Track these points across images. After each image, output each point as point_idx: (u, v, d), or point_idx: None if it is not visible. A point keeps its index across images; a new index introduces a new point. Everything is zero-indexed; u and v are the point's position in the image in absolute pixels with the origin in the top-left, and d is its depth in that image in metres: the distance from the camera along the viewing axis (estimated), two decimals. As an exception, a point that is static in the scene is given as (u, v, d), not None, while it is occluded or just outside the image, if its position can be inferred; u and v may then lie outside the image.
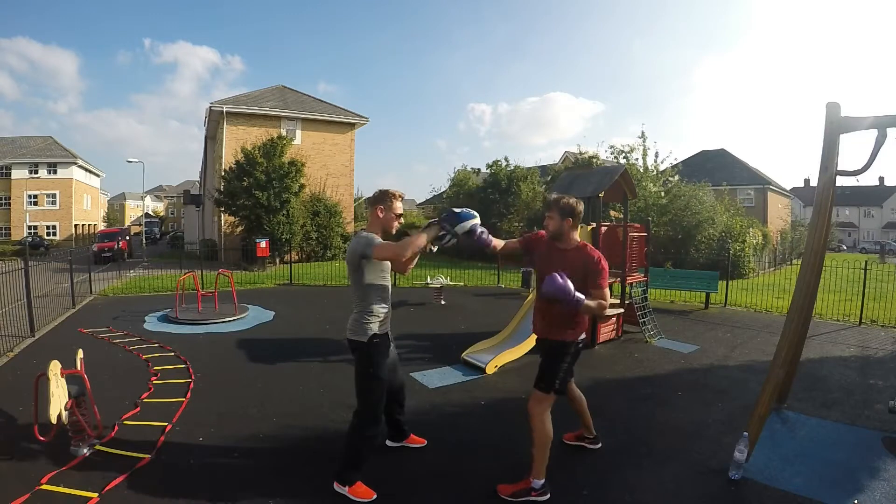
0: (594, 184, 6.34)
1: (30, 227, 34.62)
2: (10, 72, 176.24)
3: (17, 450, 3.23)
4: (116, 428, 3.57)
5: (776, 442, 3.48)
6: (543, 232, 2.98)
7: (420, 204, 45.31)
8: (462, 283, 12.49)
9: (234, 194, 17.29)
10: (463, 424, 3.83)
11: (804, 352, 4.32)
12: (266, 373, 5.09)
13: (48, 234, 35.94)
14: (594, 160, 18.33)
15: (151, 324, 7.41)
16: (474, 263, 18.57)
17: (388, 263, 2.88)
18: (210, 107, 20.06)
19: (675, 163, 18.69)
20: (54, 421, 3.03)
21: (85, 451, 3.18)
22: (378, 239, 2.71)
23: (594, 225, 6.24)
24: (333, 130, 22.23)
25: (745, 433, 3.03)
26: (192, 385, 4.59)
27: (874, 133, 3.28)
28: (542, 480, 2.71)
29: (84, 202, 40.91)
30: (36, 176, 36.01)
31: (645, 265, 7.21)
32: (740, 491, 2.87)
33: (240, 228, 18.70)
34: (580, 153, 19.51)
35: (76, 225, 38.21)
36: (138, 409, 3.96)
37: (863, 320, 7.92)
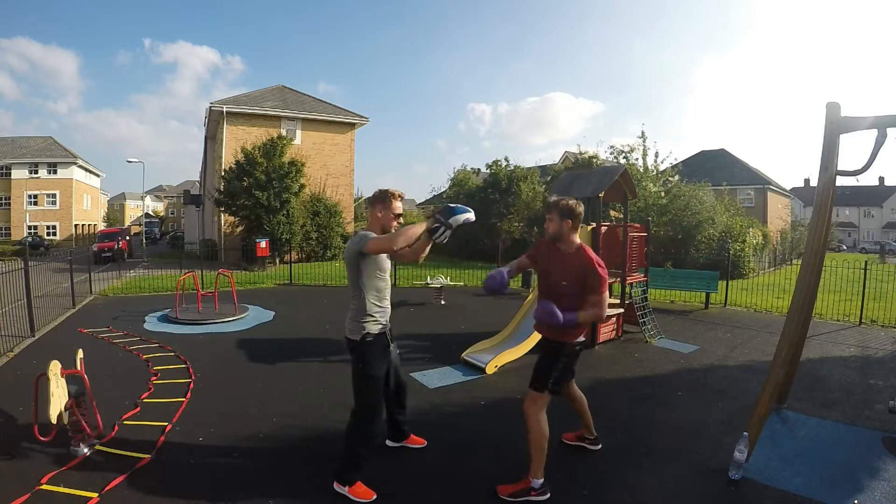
0: (594, 184, 6.34)
1: (30, 227, 34.62)
2: (10, 72, 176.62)
3: (17, 450, 3.23)
4: (116, 428, 3.57)
5: (776, 442, 3.48)
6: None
7: (420, 204, 45.34)
8: (462, 283, 12.49)
9: (234, 194, 17.29)
10: (463, 424, 3.83)
11: (804, 352, 4.32)
12: (266, 373, 5.09)
13: (48, 234, 35.94)
14: (594, 160, 18.31)
15: (151, 324, 7.41)
16: (474, 263, 18.58)
17: (388, 263, 2.88)
18: (210, 107, 20.07)
19: (675, 163, 18.68)
20: (54, 421, 3.04)
21: (85, 451, 3.18)
22: (372, 234, 2.72)
23: (594, 225, 6.24)
24: (333, 130, 22.23)
25: (745, 433, 3.03)
26: (192, 385, 4.59)
27: (874, 133, 3.28)
28: (541, 480, 2.71)
29: (84, 202, 40.91)
30: (36, 176, 36.01)
31: (645, 265, 7.21)
32: (740, 491, 2.87)
33: (240, 228, 18.70)
34: (580, 153, 19.49)
35: (76, 225, 38.21)
36: (138, 409, 3.96)
37: (863, 320, 7.92)
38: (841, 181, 3.61)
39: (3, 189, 35.49)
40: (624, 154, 17.63)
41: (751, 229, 17.93)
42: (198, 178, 42.41)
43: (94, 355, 5.24)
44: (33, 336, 6.48)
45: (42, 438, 3.22)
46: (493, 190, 23.35)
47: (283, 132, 19.98)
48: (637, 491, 2.87)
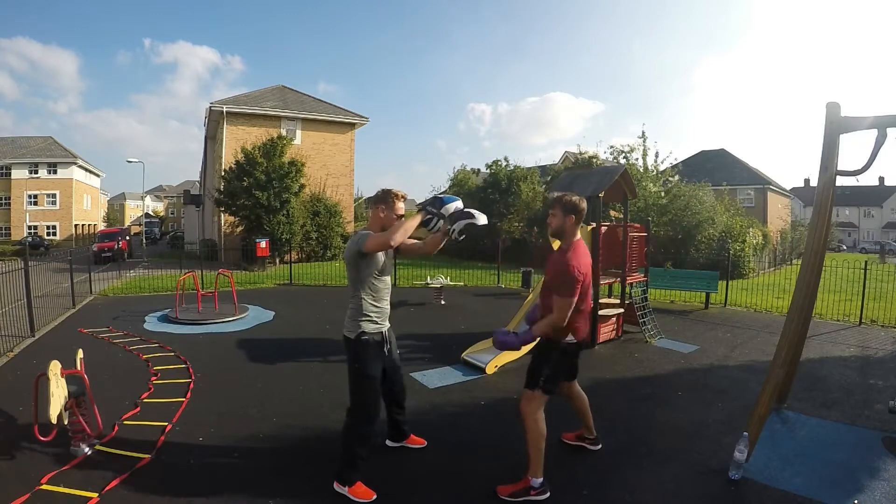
0: (594, 184, 6.34)
1: (30, 227, 34.63)
2: (10, 72, 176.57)
3: (17, 450, 3.23)
4: (116, 428, 3.57)
5: (776, 442, 3.48)
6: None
7: (420, 204, 45.35)
8: (462, 283, 12.49)
9: (234, 194, 17.29)
10: (463, 424, 3.83)
11: (804, 352, 4.32)
12: (266, 373, 5.09)
13: (48, 234, 35.95)
14: (594, 160, 18.30)
15: (151, 324, 7.41)
16: (474, 263, 18.58)
17: (387, 264, 2.88)
18: (210, 107, 20.07)
19: (675, 163, 18.69)
20: (54, 421, 3.04)
21: (85, 450, 3.18)
22: (371, 233, 2.73)
23: (594, 225, 6.23)
24: (333, 130, 22.24)
25: (745, 433, 3.03)
26: (192, 385, 4.59)
27: (874, 133, 3.28)
28: (541, 479, 2.71)
29: (84, 202, 40.92)
30: (36, 176, 36.02)
31: (645, 265, 7.21)
32: (740, 491, 2.87)
33: (240, 228, 18.70)
34: (580, 153, 19.48)
35: (76, 225, 38.22)
36: (138, 409, 3.97)
37: (863, 320, 7.92)
38: (841, 181, 3.60)
39: (3, 189, 35.50)
40: (624, 154, 17.64)
41: (751, 229, 17.93)
42: (198, 178, 42.42)
43: (94, 355, 5.24)
44: (33, 336, 6.48)
45: (42, 438, 3.22)
46: (493, 190, 23.36)
47: (283, 132, 19.98)
48: (637, 491, 2.87)
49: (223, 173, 18.53)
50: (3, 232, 34.63)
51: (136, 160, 27.57)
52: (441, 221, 2.80)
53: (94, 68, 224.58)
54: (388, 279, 2.89)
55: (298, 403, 4.21)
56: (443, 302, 9.41)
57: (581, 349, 3.00)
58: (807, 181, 54.82)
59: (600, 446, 3.33)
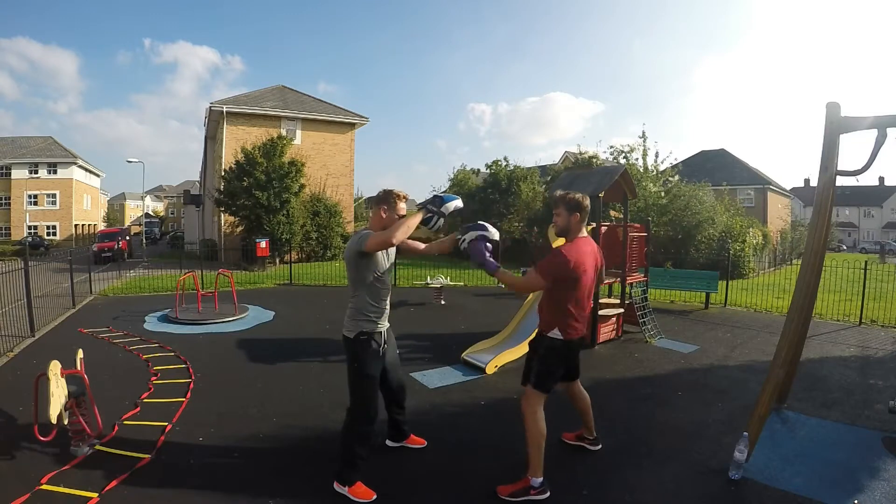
0: (594, 184, 6.34)
1: (30, 227, 34.63)
2: (10, 72, 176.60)
3: (17, 450, 3.23)
4: (116, 428, 3.57)
5: (776, 442, 3.48)
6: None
7: (420, 203, 45.37)
8: (462, 283, 12.49)
9: (234, 194, 17.29)
10: (463, 424, 3.83)
11: (804, 352, 4.32)
12: (266, 373, 5.09)
13: (48, 234, 35.95)
14: (594, 160, 18.30)
15: (151, 324, 7.41)
16: (474, 263, 18.54)
17: (387, 263, 2.88)
18: (210, 107, 20.07)
19: (675, 163, 18.66)
20: (54, 421, 3.03)
21: (85, 450, 3.18)
22: (371, 232, 2.73)
23: (594, 225, 6.23)
24: (333, 130, 22.23)
25: (745, 433, 3.03)
26: (192, 385, 4.59)
27: (874, 133, 3.28)
28: (541, 478, 2.71)
29: (84, 202, 40.92)
30: (36, 176, 36.02)
31: (645, 265, 7.21)
32: (740, 491, 2.87)
33: (240, 228, 18.70)
34: (580, 153, 19.47)
35: (76, 225, 38.22)
36: (138, 409, 3.97)
37: (863, 320, 7.92)
38: (841, 181, 3.60)
39: (3, 189, 35.50)
40: (624, 154, 17.62)
41: (751, 229, 17.92)
42: (198, 178, 42.41)
43: (94, 355, 5.24)
44: (33, 336, 6.48)
45: (42, 438, 3.22)
46: (493, 190, 23.35)
47: (283, 132, 19.98)
48: (637, 491, 2.87)
49: (223, 173, 18.53)
50: (3, 232, 34.63)
51: (136, 160, 27.63)
52: (441, 220, 2.82)
53: (94, 68, 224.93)
54: (387, 279, 2.89)
55: (298, 403, 4.21)
56: (443, 302, 9.41)
57: (578, 348, 2.99)
58: (807, 181, 54.82)
59: (600, 446, 3.33)
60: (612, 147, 18.34)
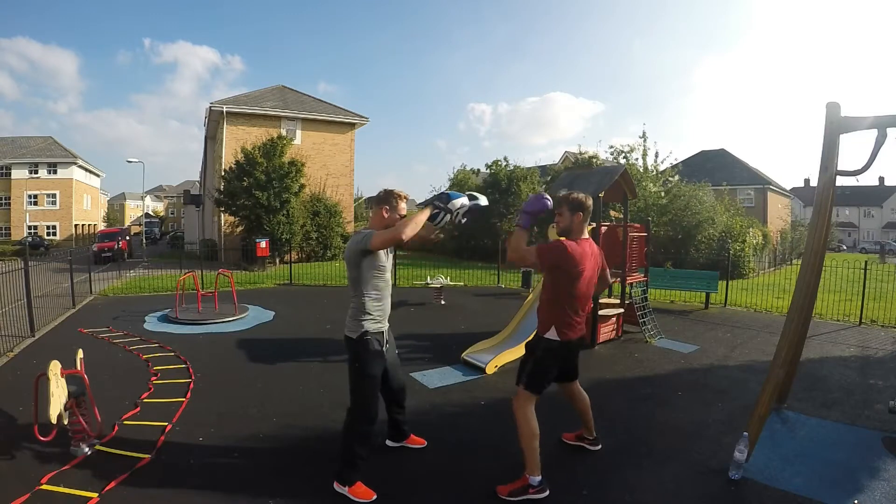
0: (594, 184, 6.34)
1: (30, 227, 34.62)
2: (10, 72, 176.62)
3: (17, 450, 3.23)
4: (116, 428, 3.57)
5: (776, 442, 3.48)
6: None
7: (420, 204, 45.45)
8: (462, 283, 12.49)
9: (234, 194, 17.29)
10: (463, 424, 3.83)
11: (804, 352, 4.32)
12: (266, 373, 5.09)
13: (48, 234, 35.95)
14: (594, 160, 18.31)
15: (151, 324, 7.41)
16: (474, 263, 18.58)
17: (388, 262, 2.88)
18: (210, 107, 20.07)
19: (675, 163, 18.68)
20: (54, 421, 3.03)
21: (85, 450, 3.18)
22: (374, 231, 2.74)
23: (594, 225, 6.23)
24: (333, 130, 22.23)
25: (745, 433, 3.03)
26: (192, 385, 4.59)
27: (874, 133, 3.28)
28: (539, 477, 2.71)
29: (84, 202, 40.92)
30: (36, 176, 36.02)
31: (645, 265, 7.21)
32: (740, 491, 2.87)
33: (240, 228, 18.70)
34: (580, 153, 19.48)
35: (76, 225, 38.22)
36: (138, 409, 3.96)
37: (863, 320, 7.92)
38: (841, 181, 3.60)
39: (3, 189, 35.50)
40: (624, 154, 17.63)
41: (751, 229, 17.93)
42: (198, 178, 42.41)
43: (94, 355, 5.24)
44: (33, 336, 6.48)
45: (42, 438, 3.22)
46: (493, 190, 23.32)
47: (283, 132, 19.98)
48: (637, 491, 2.87)
49: (223, 173, 18.53)
50: (3, 232, 34.63)
51: (136, 160, 27.59)
52: (448, 216, 2.84)
53: (94, 68, 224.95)
54: (388, 277, 2.90)
55: (298, 403, 4.21)
56: (443, 302, 9.41)
57: (577, 349, 2.99)
58: (807, 181, 54.82)
59: (600, 447, 3.33)
60: (612, 147, 18.37)
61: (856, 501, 2.75)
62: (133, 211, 68.93)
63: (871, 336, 7.06)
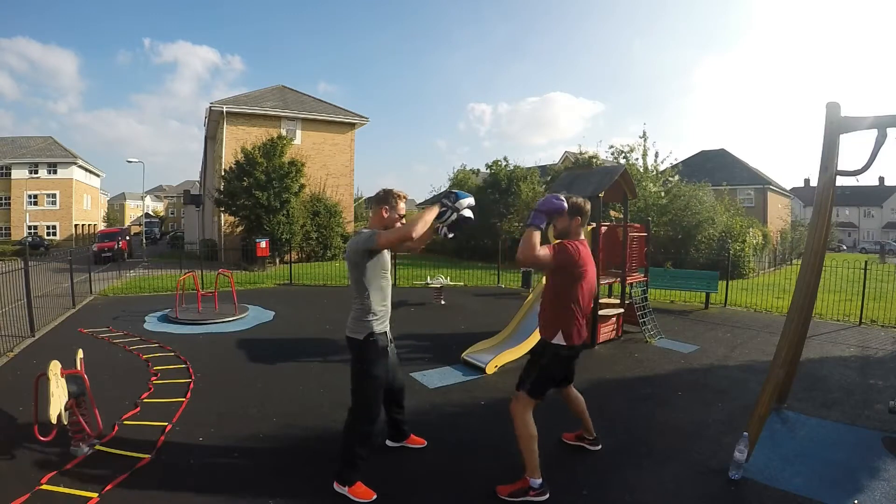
0: (594, 184, 6.34)
1: (30, 227, 34.62)
2: (10, 72, 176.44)
3: (17, 450, 3.23)
4: (116, 428, 3.57)
5: (776, 442, 3.48)
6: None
7: (420, 204, 45.47)
8: (462, 283, 12.49)
9: (234, 194, 17.30)
10: (463, 424, 3.83)
11: (804, 352, 4.32)
12: (266, 373, 5.09)
13: (48, 234, 35.94)
14: (594, 160, 18.30)
15: (151, 324, 7.41)
16: (474, 263, 18.59)
17: (389, 262, 2.88)
18: (210, 107, 20.07)
19: (675, 163, 18.68)
20: (54, 421, 3.03)
21: (85, 450, 3.18)
22: (377, 231, 2.75)
23: (594, 225, 6.23)
24: (333, 130, 22.24)
25: (745, 433, 3.03)
26: (192, 385, 4.59)
27: (874, 133, 3.28)
28: (540, 480, 2.71)
29: (84, 202, 40.92)
30: (36, 176, 36.01)
31: (645, 265, 7.21)
32: (740, 491, 2.87)
33: (240, 228, 18.71)
34: (580, 153, 19.47)
35: (76, 225, 38.21)
36: (138, 409, 3.97)
37: (863, 320, 7.92)
38: (841, 181, 3.60)
39: (3, 189, 35.49)
40: (624, 154, 17.63)
41: (751, 229, 17.93)
42: (198, 178, 42.42)
43: (94, 355, 5.24)
44: (33, 336, 6.48)
45: (42, 438, 3.22)
46: (493, 190, 23.36)
47: (283, 132, 19.99)
48: (637, 491, 2.87)
49: (223, 173, 18.53)
50: (3, 232, 34.63)
51: (136, 160, 27.59)
52: (455, 215, 2.84)
53: (94, 68, 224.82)
54: (389, 276, 2.90)
55: (298, 403, 4.21)
56: (443, 302, 9.41)
57: (578, 354, 2.99)
58: (807, 181, 54.82)
59: (600, 447, 3.33)
60: (612, 147, 18.37)
61: (856, 501, 2.75)
62: (133, 211, 68.94)
63: (871, 336, 7.06)
